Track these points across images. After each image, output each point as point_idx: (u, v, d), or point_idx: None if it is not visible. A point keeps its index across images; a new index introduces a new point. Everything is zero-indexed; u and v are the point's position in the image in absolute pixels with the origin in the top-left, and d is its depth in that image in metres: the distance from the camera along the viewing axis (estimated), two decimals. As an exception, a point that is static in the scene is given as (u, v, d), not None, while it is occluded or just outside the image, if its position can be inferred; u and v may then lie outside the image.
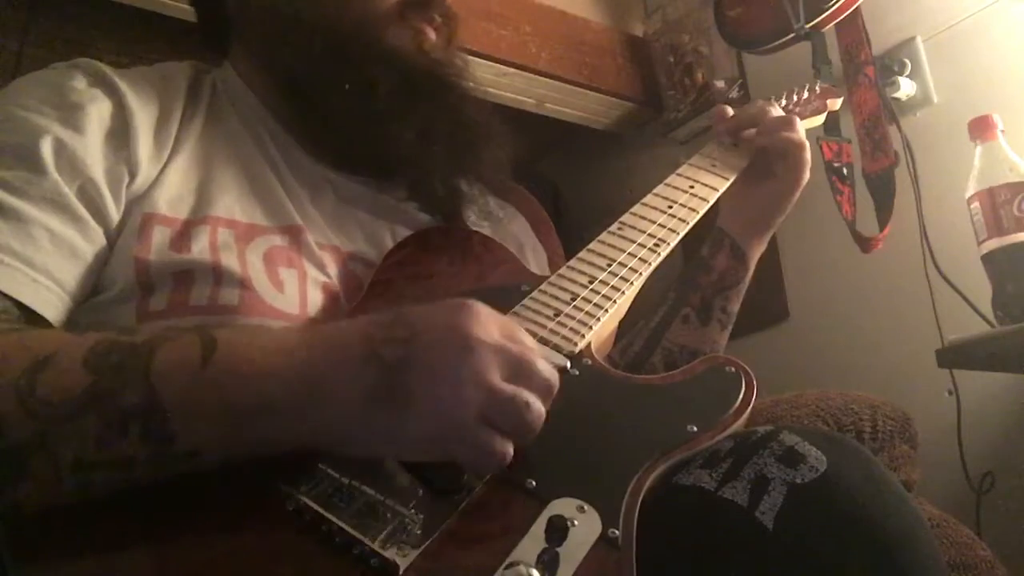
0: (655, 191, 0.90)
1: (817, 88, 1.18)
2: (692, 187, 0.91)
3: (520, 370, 0.56)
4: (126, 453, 0.53)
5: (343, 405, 0.54)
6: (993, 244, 1.23)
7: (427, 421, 0.54)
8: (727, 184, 0.93)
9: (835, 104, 1.20)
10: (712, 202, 0.90)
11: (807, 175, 0.97)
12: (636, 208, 0.87)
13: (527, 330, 0.69)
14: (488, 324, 0.56)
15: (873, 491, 0.59)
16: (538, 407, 0.56)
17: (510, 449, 0.55)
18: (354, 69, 0.80)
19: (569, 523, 0.54)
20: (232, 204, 0.76)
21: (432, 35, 0.85)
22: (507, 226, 0.98)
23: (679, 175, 0.93)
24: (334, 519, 0.52)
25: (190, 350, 0.55)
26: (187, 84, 0.83)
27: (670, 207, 0.87)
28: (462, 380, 0.53)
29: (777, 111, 1.01)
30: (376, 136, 0.82)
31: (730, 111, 1.02)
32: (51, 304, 0.66)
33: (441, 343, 0.55)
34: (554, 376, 0.58)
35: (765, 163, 0.97)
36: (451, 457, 0.55)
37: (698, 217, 0.88)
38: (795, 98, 1.14)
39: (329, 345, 0.56)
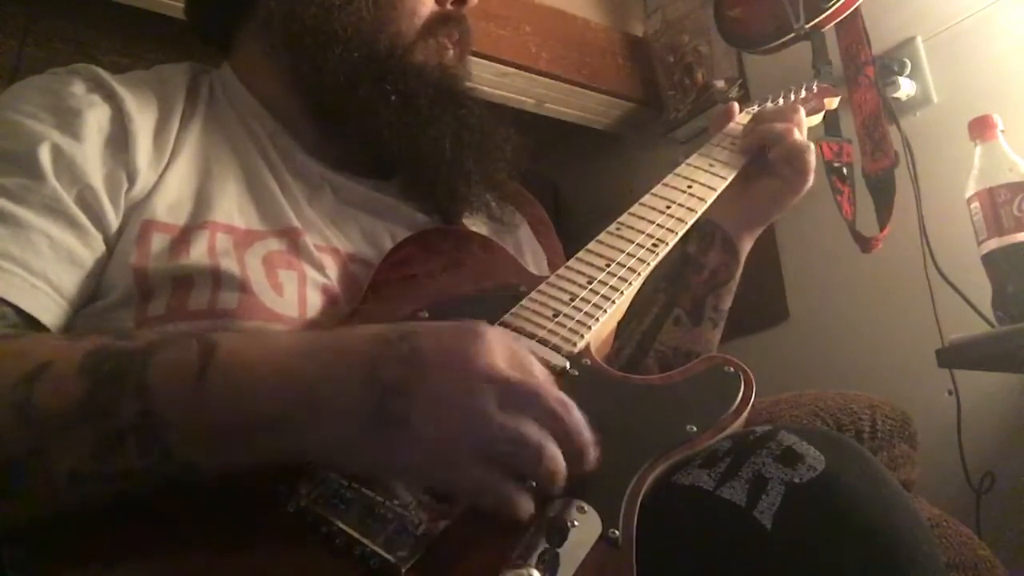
0: (653, 191, 0.90)
1: (814, 87, 1.18)
2: (690, 187, 0.91)
3: (527, 403, 0.53)
4: (122, 466, 0.52)
5: (342, 425, 0.53)
6: (993, 244, 1.23)
7: (419, 450, 0.52)
8: (725, 184, 0.93)
9: (832, 103, 1.20)
10: (710, 202, 0.90)
11: (811, 179, 0.97)
12: (634, 208, 0.87)
13: (525, 331, 0.69)
14: (496, 353, 0.53)
15: (872, 491, 0.59)
16: (553, 451, 0.52)
17: (517, 494, 0.52)
18: (389, 83, 0.82)
19: (569, 523, 0.54)
20: (231, 209, 0.76)
21: (451, 50, 0.87)
22: (507, 227, 0.98)
23: (677, 175, 0.93)
24: (335, 521, 0.52)
25: (187, 357, 0.54)
26: (186, 87, 0.83)
27: (668, 207, 0.87)
28: (460, 414, 0.51)
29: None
30: (411, 146, 0.83)
31: (736, 108, 1.02)
32: (49, 310, 0.66)
33: (444, 371, 0.53)
34: (573, 406, 0.54)
35: (764, 161, 0.97)
36: (451, 489, 0.54)
37: (696, 217, 0.88)
38: (792, 97, 1.14)
39: (331, 361, 0.55)
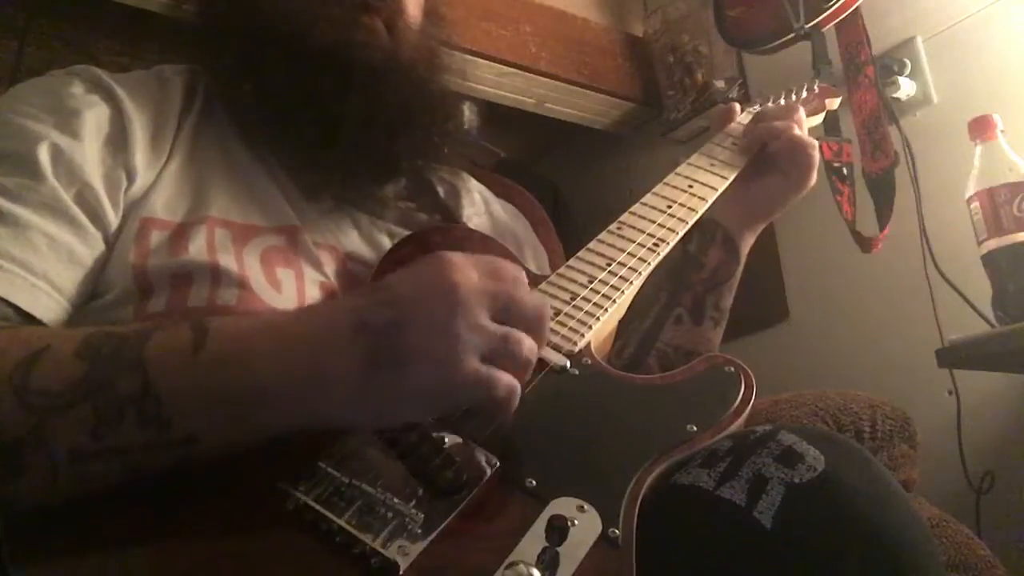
0: (654, 191, 0.90)
1: (816, 88, 1.18)
2: (691, 187, 0.91)
3: (508, 307, 0.57)
4: (122, 441, 0.53)
5: (342, 379, 0.54)
6: (993, 244, 1.23)
7: (431, 373, 0.54)
8: (726, 184, 0.93)
9: (833, 104, 1.20)
10: (711, 202, 0.90)
11: (815, 176, 0.97)
12: (635, 208, 0.87)
13: None
14: (466, 268, 0.56)
15: (871, 491, 0.59)
16: (531, 342, 0.57)
17: (516, 384, 0.56)
18: (283, 67, 0.79)
19: (569, 522, 0.55)
20: (228, 205, 0.76)
21: (375, 23, 0.82)
22: (507, 225, 0.98)
23: (678, 175, 0.93)
24: (334, 518, 0.52)
25: (182, 337, 0.55)
26: (184, 87, 0.83)
27: (669, 207, 0.87)
28: (455, 326, 0.54)
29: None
30: (314, 131, 0.80)
31: (737, 108, 1.02)
32: (49, 309, 0.67)
33: (426, 296, 0.55)
34: (542, 303, 0.59)
35: (766, 160, 0.97)
36: (462, 404, 0.56)
37: (697, 217, 0.88)
38: (793, 97, 1.14)
39: (317, 323, 0.56)
